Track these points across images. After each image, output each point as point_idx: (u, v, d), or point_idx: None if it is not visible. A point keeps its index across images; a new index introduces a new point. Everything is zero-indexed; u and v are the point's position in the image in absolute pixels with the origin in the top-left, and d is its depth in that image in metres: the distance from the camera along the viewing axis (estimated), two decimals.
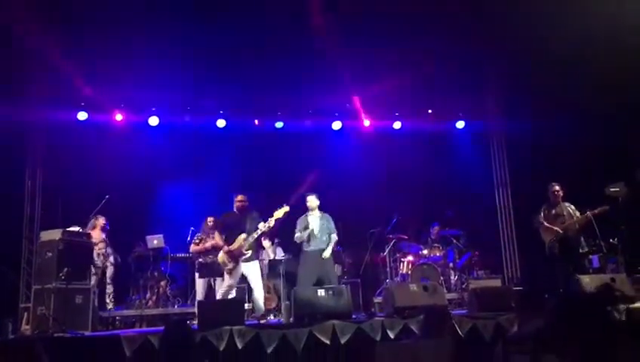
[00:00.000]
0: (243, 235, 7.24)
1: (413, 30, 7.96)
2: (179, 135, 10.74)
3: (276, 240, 9.67)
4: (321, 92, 10.01)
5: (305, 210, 7.96)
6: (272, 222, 7.23)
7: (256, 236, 7.25)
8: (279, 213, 7.27)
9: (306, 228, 7.75)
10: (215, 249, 7.89)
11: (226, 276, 7.34)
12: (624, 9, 7.64)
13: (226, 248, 7.28)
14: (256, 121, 10.96)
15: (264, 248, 9.90)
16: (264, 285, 9.50)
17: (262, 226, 7.22)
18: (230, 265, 7.25)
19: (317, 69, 8.94)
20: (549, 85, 9.28)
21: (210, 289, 8.40)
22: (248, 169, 10.69)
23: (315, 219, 7.84)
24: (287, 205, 7.37)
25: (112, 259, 8.83)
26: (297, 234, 7.81)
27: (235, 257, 7.24)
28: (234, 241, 7.26)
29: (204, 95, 10.14)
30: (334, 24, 7.72)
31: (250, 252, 7.26)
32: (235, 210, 7.56)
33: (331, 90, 9.97)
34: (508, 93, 10.24)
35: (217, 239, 7.61)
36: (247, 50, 8.27)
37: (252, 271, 7.37)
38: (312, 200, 7.84)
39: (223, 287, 7.35)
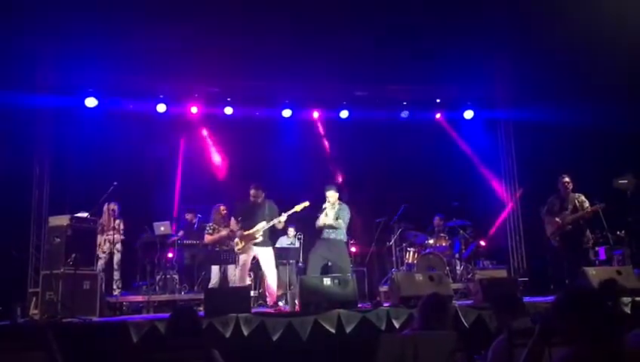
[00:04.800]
0: (263, 223, 7.60)
1: (418, 19, 7.87)
2: (185, 122, 10.76)
3: (299, 234, 9.72)
4: (328, 80, 9.95)
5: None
6: (286, 215, 7.64)
7: (271, 224, 7.63)
8: (299, 207, 7.68)
9: (323, 215, 7.85)
10: (230, 238, 8.27)
11: (240, 256, 7.68)
12: None
13: (240, 233, 7.69)
14: (257, 112, 10.96)
15: (287, 235, 9.98)
16: None
17: (280, 218, 7.61)
18: (241, 245, 7.66)
19: (322, 58, 8.88)
20: (557, 74, 9.20)
21: (224, 277, 8.45)
22: (254, 156, 10.73)
23: (330, 211, 7.89)
24: (307, 201, 7.72)
25: (119, 246, 8.90)
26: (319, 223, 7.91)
27: (248, 240, 7.62)
28: (252, 227, 7.61)
29: (210, 82, 10.13)
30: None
31: (261, 238, 7.61)
32: (251, 198, 7.84)
33: (338, 79, 9.91)
34: (516, 83, 10.16)
35: (233, 225, 7.97)
36: (253, 37, 8.21)
37: (266, 257, 7.64)
38: (332, 195, 7.88)
39: (239, 264, 7.69)
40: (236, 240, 7.77)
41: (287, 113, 10.91)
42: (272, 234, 8.28)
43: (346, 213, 7.92)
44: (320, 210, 7.90)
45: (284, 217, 7.64)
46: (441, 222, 10.05)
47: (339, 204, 7.94)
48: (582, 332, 2.45)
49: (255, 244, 7.65)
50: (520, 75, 9.68)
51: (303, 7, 7.32)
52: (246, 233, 7.63)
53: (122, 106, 10.28)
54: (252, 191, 7.82)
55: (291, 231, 9.98)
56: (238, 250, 7.71)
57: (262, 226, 7.60)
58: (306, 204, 7.70)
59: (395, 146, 11.10)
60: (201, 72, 9.49)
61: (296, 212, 7.70)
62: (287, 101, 10.88)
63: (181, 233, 9.79)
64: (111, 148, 9.87)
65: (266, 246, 7.73)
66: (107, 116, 10.16)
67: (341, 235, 7.86)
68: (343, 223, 7.86)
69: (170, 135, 10.68)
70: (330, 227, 7.78)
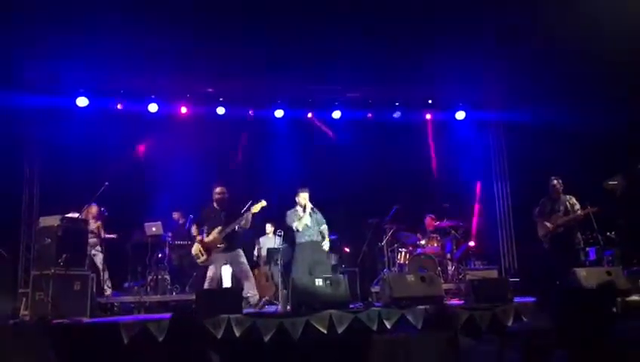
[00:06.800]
0: (218, 228, 7.22)
1: (412, 20, 7.89)
2: (177, 122, 10.71)
3: (279, 231, 9.66)
4: (320, 81, 9.95)
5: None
6: (249, 216, 7.24)
7: (229, 230, 7.20)
8: (256, 208, 7.27)
9: (300, 219, 7.75)
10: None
11: (209, 269, 7.31)
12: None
13: (198, 238, 7.31)
14: (250, 112, 10.92)
15: (266, 233, 9.96)
16: (262, 273, 9.57)
17: (241, 221, 7.20)
18: (203, 258, 7.25)
19: (314, 58, 8.87)
20: (550, 75, 9.25)
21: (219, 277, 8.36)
22: (247, 157, 10.72)
23: (306, 213, 7.79)
24: (264, 200, 7.34)
25: (98, 247, 8.84)
26: (295, 224, 7.77)
27: (209, 250, 7.23)
28: (209, 234, 7.27)
29: (202, 82, 10.10)
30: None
31: (223, 244, 7.21)
32: (214, 202, 7.49)
33: (330, 80, 9.91)
34: (508, 84, 10.20)
35: (194, 232, 7.53)
36: (244, 38, 8.20)
37: (235, 260, 7.33)
38: (305, 197, 7.81)
39: (206, 280, 7.30)
40: (194, 248, 7.30)
41: (279, 113, 10.91)
42: (247, 235, 8.04)
43: (321, 215, 7.89)
44: (289, 214, 7.82)
45: (241, 221, 7.18)
46: (433, 222, 10.08)
47: (311, 206, 7.82)
48: (574, 333, 2.46)
49: (221, 251, 7.26)
50: (511, 77, 9.71)
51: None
52: (205, 240, 7.24)
53: (113, 106, 10.23)
54: (217, 190, 7.43)
55: (269, 227, 9.97)
56: (201, 263, 7.31)
57: (217, 232, 7.18)
58: (263, 203, 7.30)
59: (386, 147, 11.12)
60: (194, 72, 9.48)
61: (254, 214, 7.28)
62: (280, 101, 10.88)
63: (170, 235, 9.73)
64: (102, 148, 9.82)
65: (231, 250, 7.27)
66: (98, 116, 10.10)
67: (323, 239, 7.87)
68: (326, 227, 7.88)
69: (163, 135, 10.63)
70: (315, 234, 7.76)
